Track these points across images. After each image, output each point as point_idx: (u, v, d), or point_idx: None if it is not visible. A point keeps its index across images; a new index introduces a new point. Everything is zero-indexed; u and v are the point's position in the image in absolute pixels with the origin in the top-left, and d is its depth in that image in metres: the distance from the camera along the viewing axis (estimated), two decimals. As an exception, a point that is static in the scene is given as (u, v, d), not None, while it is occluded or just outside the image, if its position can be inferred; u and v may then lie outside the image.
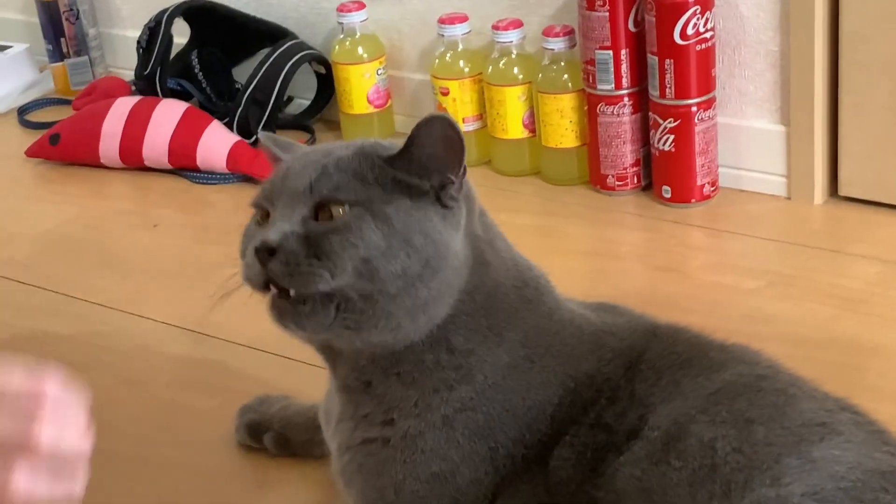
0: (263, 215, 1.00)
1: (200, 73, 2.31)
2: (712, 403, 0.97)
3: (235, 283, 0.99)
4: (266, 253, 0.93)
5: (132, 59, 2.32)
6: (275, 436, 1.31)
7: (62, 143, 2.18)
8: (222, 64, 2.34)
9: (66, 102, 2.39)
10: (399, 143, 1.00)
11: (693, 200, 1.83)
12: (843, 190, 1.80)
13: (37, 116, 2.42)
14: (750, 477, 0.90)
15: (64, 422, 0.79)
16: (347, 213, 0.95)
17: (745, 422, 0.95)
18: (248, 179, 2.08)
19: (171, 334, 1.62)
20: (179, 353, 1.58)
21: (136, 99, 2.21)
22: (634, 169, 1.88)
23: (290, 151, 1.07)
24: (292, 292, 0.95)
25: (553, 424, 1.01)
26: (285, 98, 2.21)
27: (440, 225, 0.97)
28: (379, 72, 2.13)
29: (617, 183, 1.88)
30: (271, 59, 2.16)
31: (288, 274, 0.93)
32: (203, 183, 2.10)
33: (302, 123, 2.26)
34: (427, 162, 0.97)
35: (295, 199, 0.96)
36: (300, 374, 1.48)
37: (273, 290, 0.96)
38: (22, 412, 0.77)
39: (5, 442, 0.77)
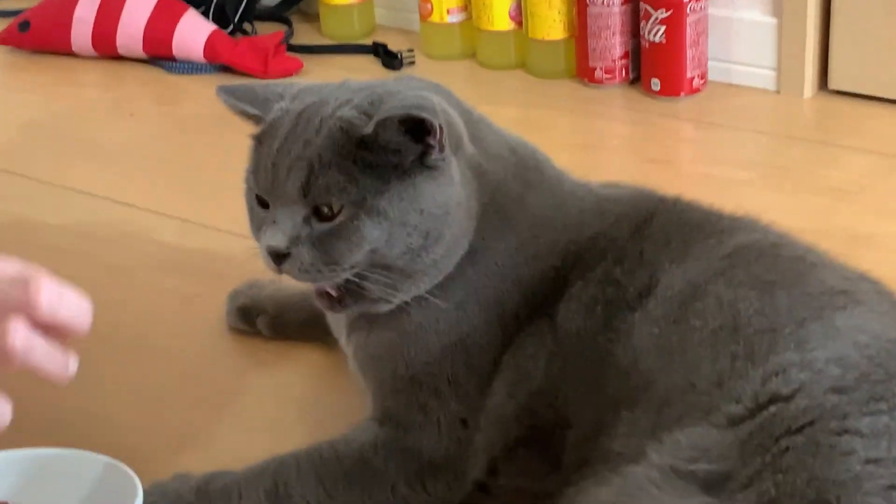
0: (262, 204, 1.02)
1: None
2: (728, 266, 0.97)
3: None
4: (277, 255, 0.98)
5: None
6: (269, 319, 1.30)
7: (32, 30, 2.12)
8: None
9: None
10: (376, 97, 1.00)
11: (682, 93, 1.81)
12: (833, 83, 1.79)
13: (4, 4, 2.35)
14: (774, 340, 0.90)
15: (62, 296, 0.79)
16: (344, 214, 0.97)
17: (764, 284, 0.95)
18: (225, 69, 2.03)
19: (155, 222, 1.59)
20: (165, 241, 1.55)
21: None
22: (623, 61, 1.85)
23: (259, 105, 1.05)
24: None
25: (556, 284, 1.02)
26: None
27: (433, 191, 0.98)
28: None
29: (605, 76, 1.86)
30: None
31: (305, 277, 0.99)
32: (179, 73, 2.05)
33: (279, 15, 2.21)
34: (396, 147, 0.97)
35: (291, 201, 0.98)
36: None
37: None
38: (21, 282, 0.77)
39: (4, 300, 0.76)
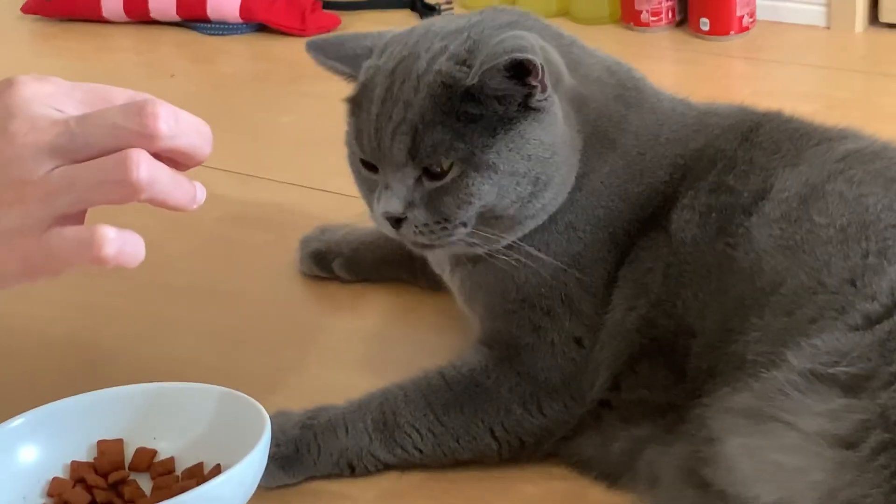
0: (370, 168, 1.00)
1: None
2: (845, 167, 0.95)
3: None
4: (395, 221, 0.97)
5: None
6: (345, 261, 1.28)
7: (59, -3, 2.09)
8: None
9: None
10: (470, 41, 0.97)
11: (732, 32, 1.79)
12: (885, 16, 1.76)
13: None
14: None
15: (179, 120, 0.74)
16: (454, 171, 0.95)
17: (888, 181, 0.93)
18: (262, 28, 2.00)
19: (213, 176, 1.55)
20: (226, 194, 1.51)
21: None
22: (669, 3, 1.83)
23: (348, 62, 1.03)
24: None
25: (666, 197, 1.01)
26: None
27: (539, 134, 0.96)
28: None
29: (651, 18, 1.83)
30: None
31: (424, 240, 0.98)
32: (214, 34, 2.02)
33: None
34: (503, 93, 0.95)
35: (400, 165, 0.96)
36: (356, 207, 1.43)
37: None
38: (134, 110, 0.72)
39: (120, 129, 0.71)
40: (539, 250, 1.00)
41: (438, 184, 0.96)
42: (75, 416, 0.90)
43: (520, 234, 1.00)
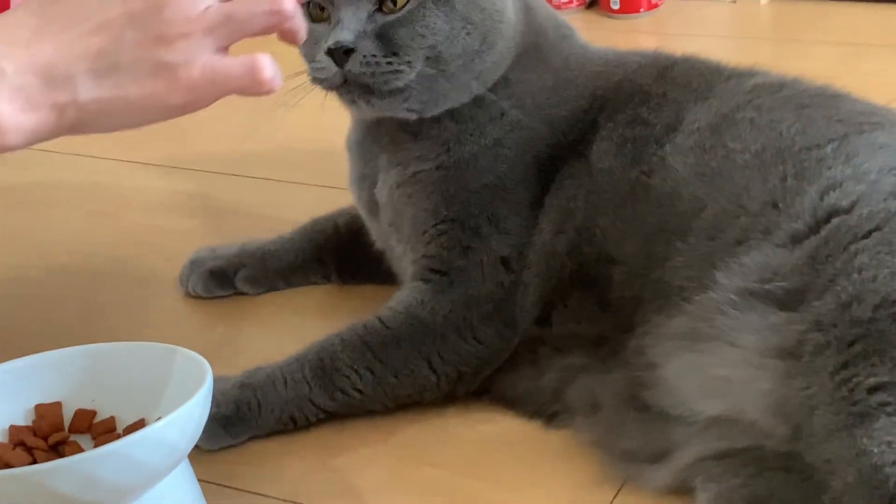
0: (319, 10, 1.01)
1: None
2: (753, 96, 0.98)
3: (305, 88, 1.01)
4: (342, 53, 0.96)
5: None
6: (249, 272, 1.23)
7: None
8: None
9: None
10: None
11: (641, 10, 1.82)
12: (788, -12, 1.81)
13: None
14: (821, 156, 0.90)
15: None
16: (411, 3, 0.97)
17: (797, 107, 0.96)
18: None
19: (130, 169, 1.55)
20: (144, 185, 1.51)
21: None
22: (579, -19, 1.86)
23: None
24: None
25: (586, 126, 1.04)
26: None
27: None
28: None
29: (562, 1, 1.86)
30: None
31: (370, 73, 0.97)
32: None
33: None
34: None
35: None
36: (278, 192, 1.44)
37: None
38: None
39: None
40: (468, 163, 1.02)
41: (393, 17, 0.96)
42: (11, 382, 0.88)
43: (449, 103, 1.01)
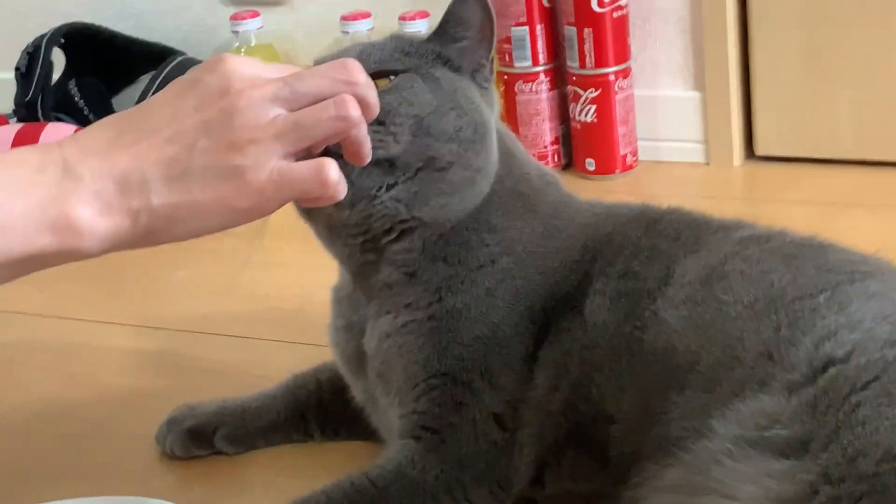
0: None
1: (82, 101, 2.22)
2: (742, 248, 0.98)
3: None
4: None
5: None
6: (229, 431, 1.19)
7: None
8: (101, 94, 2.25)
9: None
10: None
11: (617, 171, 1.84)
12: (761, 149, 1.84)
13: None
14: (814, 306, 0.90)
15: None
16: (398, 78, 0.99)
17: (786, 258, 0.96)
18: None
19: (106, 330, 1.53)
20: (121, 345, 1.48)
21: (19, 126, 2.10)
22: (554, 147, 1.88)
23: None
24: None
25: (580, 278, 1.03)
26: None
27: (479, 101, 1.02)
28: (277, 80, 2.08)
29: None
30: (164, 72, 2.09)
31: None
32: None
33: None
34: (461, 42, 1.02)
35: None
36: (254, 350, 1.42)
37: None
38: (339, 64, 0.85)
39: (333, 76, 0.83)
40: (461, 314, 1.01)
41: (380, 90, 0.95)
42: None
43: (441, 210, 1.00)
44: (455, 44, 1.02)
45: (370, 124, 0.92)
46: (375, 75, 0.97)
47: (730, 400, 0.88)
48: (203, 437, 1.19)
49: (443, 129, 0.98)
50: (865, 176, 1.75)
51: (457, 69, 1.02)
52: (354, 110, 0.81)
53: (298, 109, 0.81)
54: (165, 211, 0.78)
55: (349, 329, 1.10)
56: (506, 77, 1.86)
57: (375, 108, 0.85)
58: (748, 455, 0.83)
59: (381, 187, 0.98)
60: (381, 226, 1.00)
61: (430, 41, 1.03)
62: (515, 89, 1.85)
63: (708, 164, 1.86)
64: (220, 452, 1.19)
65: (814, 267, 0.94)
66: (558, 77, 1.86)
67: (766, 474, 0.81)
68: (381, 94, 0.94)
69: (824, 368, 0.85)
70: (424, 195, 0.99)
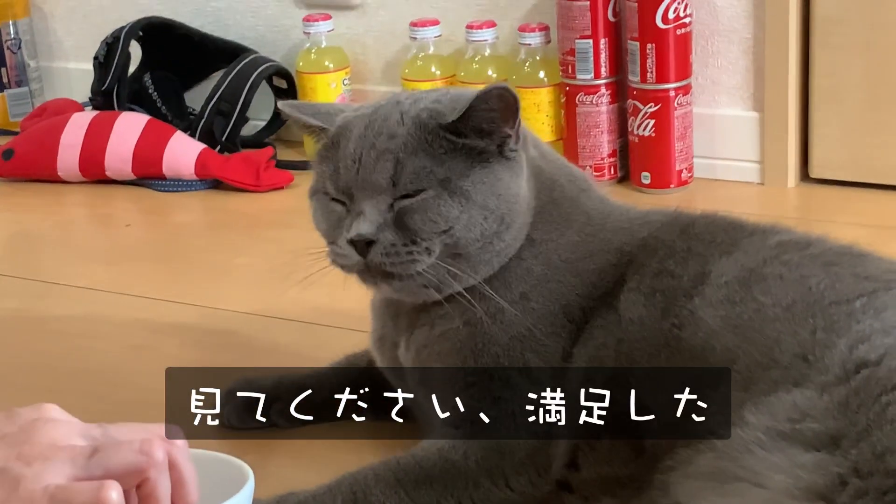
0: (340, 204, 1.05)
1: (155, 94, 2.29)
2: (780, 252, 1.02)
3: (323, 266, 1.08)
4: (364, 244, 1.01)
5: (72, 92, 2.33)
6: (284, 405, 1.23)
7: (16, 157, 2.13)
8: (175, 88, 2.32)
9: (5, 133, 2.33)
10: (445, 95, 1.07)
11: (672, 185, 1.87)
12: (815, 172, 1.86)
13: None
14: (851, 311, 0.93)
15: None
16: (429, 192, 1.01)
17: (825, 264, 0.99)
18: (216, 185, 2.06)
19: (170, 308, 1.58)
20: (184, 322, 1.54)
21: (94, 113, 2.18)
22: (612, 160, 1.92)
23: (321, 118, 1.09)
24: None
25: (615, 279, 1.06)
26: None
27: (508, 179, 1.04)
28: (345, 81, 2.14)
29: (595, 174, 1.92)
30: (236, 69, 2.16)
31: (390, 263, 1.02)
32: (168, 191, 2.06)
33: (260, 140, 2.25)
34: (486, 126, 1.03)
35: (378, 191, 1.02)
36: (312, 334, 1.47)
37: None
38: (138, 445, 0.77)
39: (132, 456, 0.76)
40: (495, 318, 1.04)
41: (410, 202, 1.00)
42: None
43: (469, 281, 1.03)
44: (478, 131, 1.02)
45: (404, 244, 1.00)
46: (408, 195, 1.01)
47: (765, 397, 0.91)
48: (254, 410, 1.23)
49: (470, 237, 1.02)
50: (917, 202, 1.77)
51: (485, 154, 1.02)
52: (159, 452, 0.76)
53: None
54: None
55: (382, 341, 1.15)
56: (567, 88, 1.90)
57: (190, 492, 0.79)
58: (779, 446, 0.87)
59: (416, 289, 1.04)
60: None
61: (457, 129, 1.02)
62: (576, 101, 1.89)
63: (762, 184, 1.89)
64: (274, 425, 1.24)
65: (851, 274, 0.98)
66: (619, 91, 1.90)
67: (796, 465, 0.85)
68: (410, 211, 1.01)
69: (857, 370, 0.89)
70: (453, 280, 1.03)
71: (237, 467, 0.87)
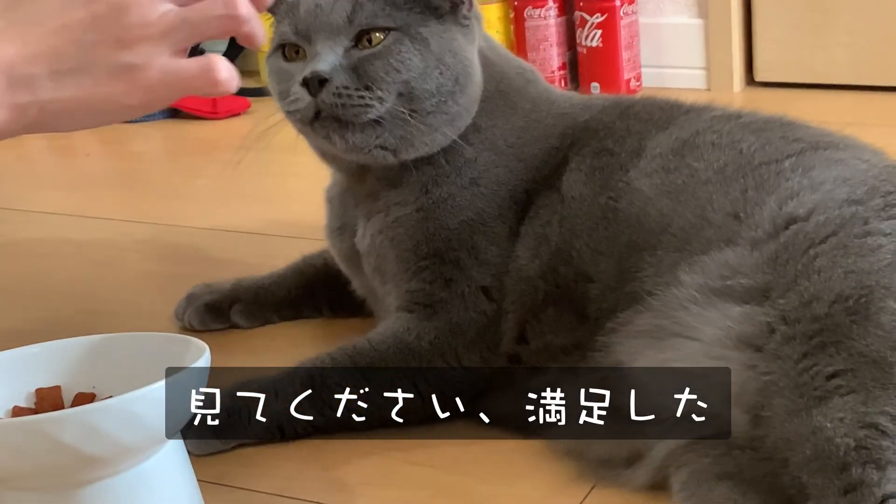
0: (294, 52, 1.06)
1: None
2: (713, 123, 1.06)
3: (274, 121, 1.08)
4: (317, 83, 1.00)
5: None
6: (244, 307, 1.29)
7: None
8: None
9: None
10: None
11: (620, 94, 1.91)
12: (760, 76, 1.90)
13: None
14: (780, 169, 0.97)
15: None
16: (388, 38, 1.02)
17: (756, 130, 1.03)
18: (174, 114, 2.07)
19: (131, 227, 1.61)
20: (144, 239, 1.56)
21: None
22: (562, 72, 1.95)
23: None
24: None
25: (558, 161, 1.10)
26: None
27: (463, 42, 1.07)
28: None
29: (545, 87, 1.95)
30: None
31: (341, 104, 1.01)
32: (126, 122, 2.08)
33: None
34: None
35: (334, 32, 1.02)
36: (268, 244, 1.51)
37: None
38: None
39: None
40: (446, 203, 1.07)
41: (368, 51, 1.01)
42: (15, 368, 0.92)
43: (421, 149, 1.05)
44: None
45: (357, 89, 1.00)
46: (365, 31, 1.01)
47: (698, 256, 0.95)
48: (219, 312, 1.28)
49: (426, 88, 1.02)
50: (860, 100, 1.82)
51: (443, 13, 1.05)
52: (243, 7, 0.80)
53: (187, 5, 0.81)
54: (54, 106, 0.78)
55: (342, 230, 1.17)
56: (516, 3, 1.93)
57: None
58: (711, 302, 0.91)
59: (371, 144, 1.04)
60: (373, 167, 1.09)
61: None
62: (525, 15, 1.92)
63: (709, 89, 1.93)
64: (235, 326, 1.28)
65: (781, 137, 1.02)
66: (566, 3, 1.93)
67: (727, 317, 0.89)
68: (370, 59, 1.01)
69: (786, 225, 0.93)
70: (409, 140, 1.04)
71: (195, 344, 0.90)
